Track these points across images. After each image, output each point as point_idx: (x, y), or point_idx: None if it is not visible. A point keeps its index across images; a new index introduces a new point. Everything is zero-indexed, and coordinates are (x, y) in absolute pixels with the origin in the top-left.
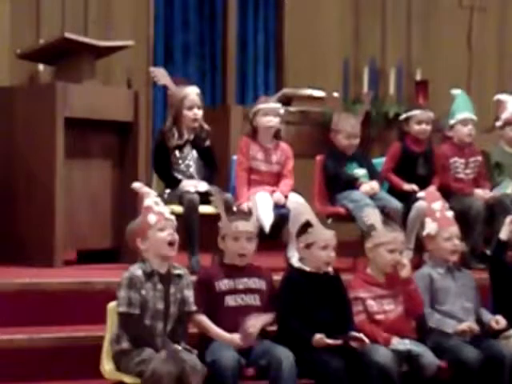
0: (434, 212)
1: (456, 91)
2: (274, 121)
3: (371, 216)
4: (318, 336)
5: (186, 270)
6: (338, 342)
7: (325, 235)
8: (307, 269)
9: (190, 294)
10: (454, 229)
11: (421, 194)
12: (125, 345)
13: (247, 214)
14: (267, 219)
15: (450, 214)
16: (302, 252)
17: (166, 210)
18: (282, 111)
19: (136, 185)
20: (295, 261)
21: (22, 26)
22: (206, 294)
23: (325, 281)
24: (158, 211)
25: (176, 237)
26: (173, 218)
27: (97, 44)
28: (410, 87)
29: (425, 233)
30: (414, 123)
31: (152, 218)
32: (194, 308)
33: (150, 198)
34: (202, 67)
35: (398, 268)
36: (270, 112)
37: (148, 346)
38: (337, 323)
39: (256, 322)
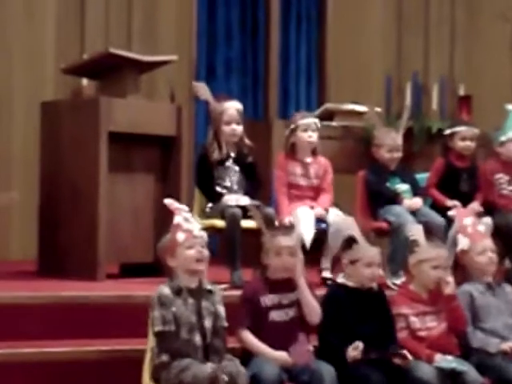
0: (466, 228)
1: (510, 106)
2: (314, 136)
3: (415, 232)
4: (351, 349)
5: (217, 286)
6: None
7: (370, 252)
8: (350, 284)
9: (221, 309)
10: (487, 242)
11: (451, 212)
12: (164, 358)
13: (289, 229)
14: (308, 235)
15: (481, 228)
16: (346, 268)
17: (195, 227)
18: (319, 125)
19: (167, 201)
20: (327, 273)
21: (67, 41)
22: (251, 309)
23: (368, 297)
24: (186, 229)
25: (205, 253)
26: (202, 234)
27: (140, 59)
28: (453, 102)
29: (458, 249)
30: (458, 139)
31: (180, 236)
32: (225, 323)
33: (180, 214)
34: (244, 82)
35: (441, 285)
36: (309, 127)
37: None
38: (379, 339)
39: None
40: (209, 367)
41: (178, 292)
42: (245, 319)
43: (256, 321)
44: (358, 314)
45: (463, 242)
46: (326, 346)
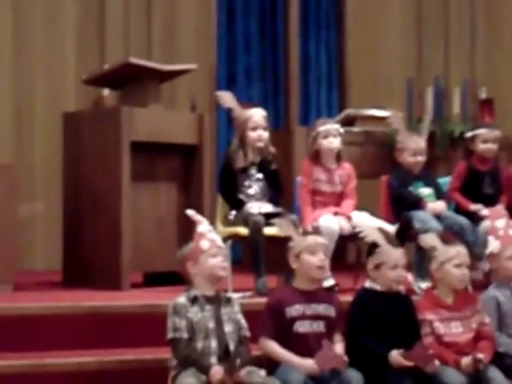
0: (497, 230)
1: None
2: (335, 142)
3: (427, 240)
4: (395, 352)
5: (236, 296)
6: (411, 364)
7: (394, 255)
8: (378, 288)
9: (242, 320)
10: None
11: (485, 211)
12: (178, 368)
13: (317, 232)
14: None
15: None
16: (371, 273)
17: (217, 238)
18: (341, 131)
19: (189, 212)
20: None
21: (87, 52)
22: (276, 320)
23: (396, 301)
24: (210, 238)
25: (226, 264)
26: (224, 246)
27: (161, 68)
28: (474, 106)
29: (488, 251)
30: (479, 142)
31: (205, 244)
32: (248, 333)
33: (203, 225)
34: (264, 90)
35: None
36: (330, 133)
37: (199, 367)
38: (406, 344)
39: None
40: (196, 378)
41: (193, 300)
42: (268, 328)
43: (280, 331)
44: (386, 318)
45: (493, 245)
46: (356, 350)
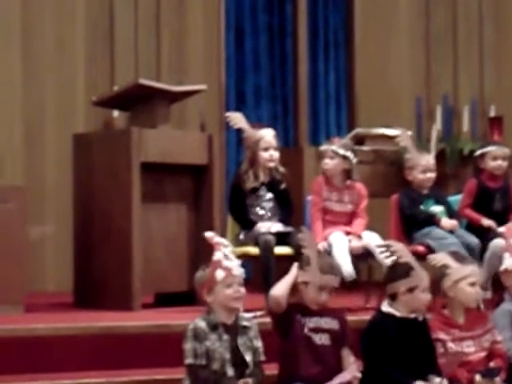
0: None
1: None
2: (329, 163)
3: (439, 258)
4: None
5: (253, 320)
6: None
7: (425, 278)
8: (397, 314)
9: (259, 343)
10: None
11: (501, 229)
12: None
13: (333, 268)
14: (347, 266)
15: None
16: (402, 296)
17: (234, 265)
18: (341, 152)
19: (208, 234)
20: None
21: (97, 74)
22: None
23: (414, 326)
24: (226, 266)
25: (242, 292)
26: (241, 272)
27: (170, 89)
28: (483, 124)
29: (502, 268)
30: (489, 159)
31: (220, 274)
32: (263, 357)
33: (221, 250)
34: (273, 109)
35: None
36: (325, 155)
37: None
38: (424, 367)
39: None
40: None
41: (214, 327)
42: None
43: (293, 332)
44: (405, 344)
45: (508, 262)
46: (374, 378)
